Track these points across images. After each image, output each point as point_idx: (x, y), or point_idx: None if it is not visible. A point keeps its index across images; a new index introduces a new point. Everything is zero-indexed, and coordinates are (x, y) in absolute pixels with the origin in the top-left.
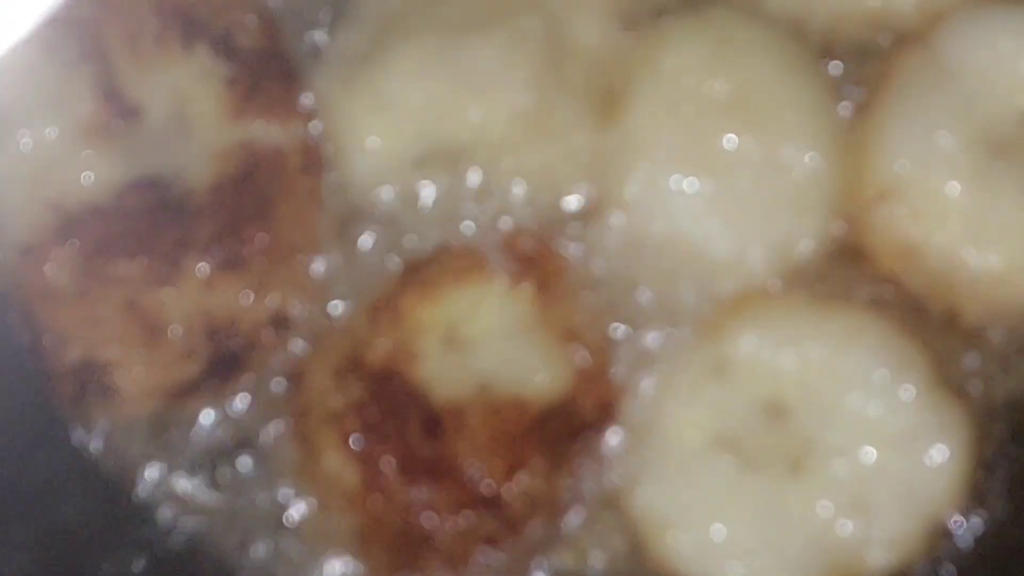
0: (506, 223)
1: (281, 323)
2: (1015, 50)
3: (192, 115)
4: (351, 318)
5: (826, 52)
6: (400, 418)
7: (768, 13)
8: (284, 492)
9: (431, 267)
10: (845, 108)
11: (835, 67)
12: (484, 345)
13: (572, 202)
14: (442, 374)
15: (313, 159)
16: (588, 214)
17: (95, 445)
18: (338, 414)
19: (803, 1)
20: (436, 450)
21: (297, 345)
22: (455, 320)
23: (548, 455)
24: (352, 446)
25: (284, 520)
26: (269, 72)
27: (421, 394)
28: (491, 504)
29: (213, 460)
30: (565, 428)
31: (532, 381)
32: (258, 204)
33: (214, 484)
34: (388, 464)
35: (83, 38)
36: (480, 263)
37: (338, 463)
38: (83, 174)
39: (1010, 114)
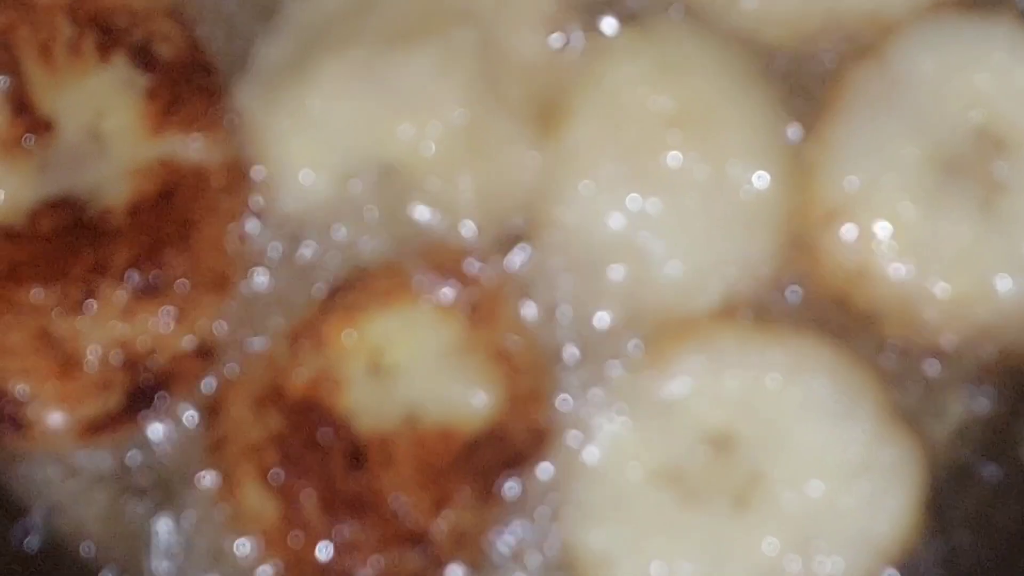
0: (435, 243)
1: (203, 352)
2: (968, 63)
3: (109, 130)
4: (271, 345)
5: (775, 67)
6: (322, 450)
7: (715, 27)
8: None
9: (355, 290)
10: (795, 125)
11: (784, 82)
12: (411, 371)
13: (508, 222)
14: (367, 403)
15: (236, 178)
16: (525, 234)
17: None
18: (257, 446)
19: (751, 15)
20: (360, 484)
21: (217, 374)
22: (380, 346)
23: (478, 488)
24: (271, 480)
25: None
26: (191, 84)
27: (344, 424)
28: (417, 541)
29: (128, 496)
30: (496, 458)
31: (461, 409)
32: (178, 225)
33: (127, 523)
34: (309, 499)
35: None
36: (406, 285)
37: (257, 498)
38: None
39: (963, 130)
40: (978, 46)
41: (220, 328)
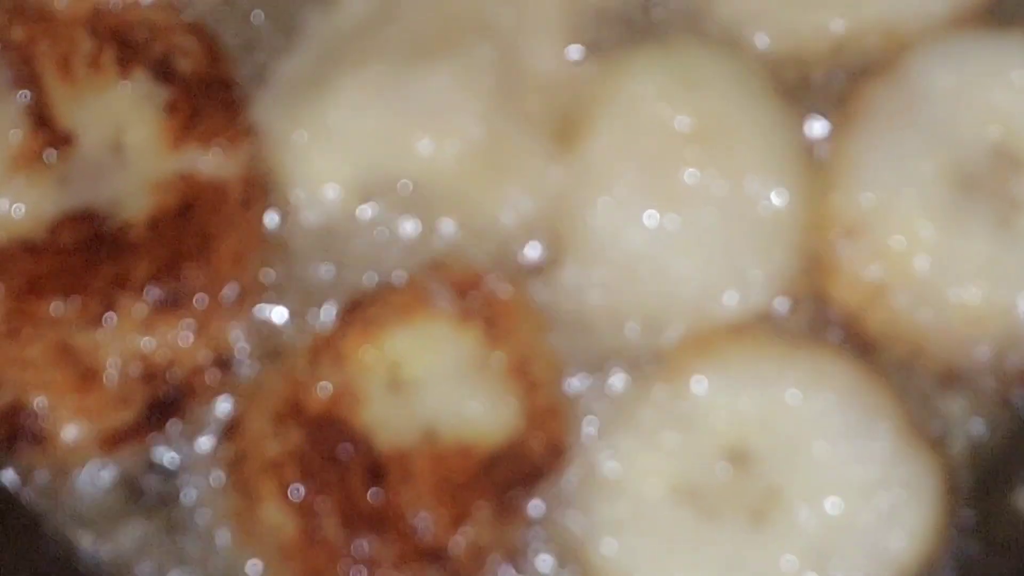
0: (454, 259)
1: (222, 365)
2: (984, 80)
3: (129, 143)
4: (291, 360)
5: (793, 83)
6: (342, 466)
7: (734, 43)
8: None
9: (374, 305)
10: (812, 142)
11: (802, 99)
12: (430, 387)
13: (525, 236)
14: (386, 419)
15: (256, 192)
16: (543, 250)
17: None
18: (277, 462)
19: (769, 31)
20: (379, 500)
21: (237, 389)
22: (399, 361)
23: (497, 503)
24: (291, 497)
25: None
26: (210, 99)
27: (364, 440)
28: (436, 557)
29: (146, 510)
30: (515, 474)
31: (480, 424)
32: (198, 239)
33: (151, 532)
34: (328, 515)
35: (12, 62)
36: (425, 300)
37: (277, 514)
38: (13, 206)
39: (980, 147)
40: (995, 62)
41: (239, 341)
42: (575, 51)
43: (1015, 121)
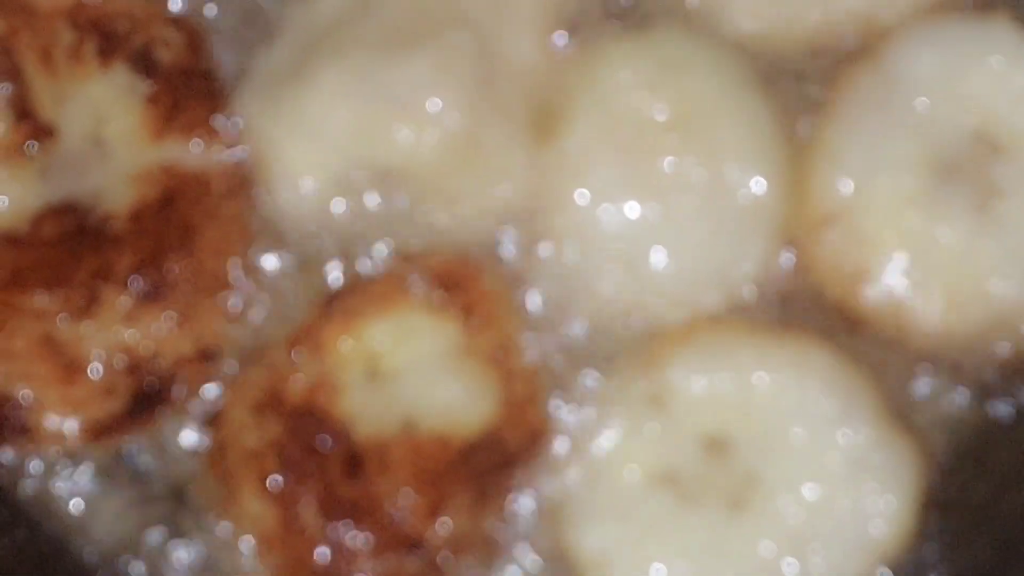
0: (432, 248)
1: (206, 356)
2: (965, 66)
3: (110, 135)
4: (271, 350)
5: (771, 70)
6: (321, 456)
7: (712, 31)
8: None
9: (352, 296)
10: (791, 129)
11: (780, 86)
12: (408, 376)
13: (504, 226)
14: (364, 409)
15: (237, 183)
16: (521, 238)
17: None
18: (257, 452)
19: (748, 19)
20: (358, 490)
21: (219, 379)
22: (378, 351)
23: (475, 491)
24: (270, 487)
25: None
26: (192, 90)
27: (342, 431)
28: (415, 546)
29: (133, 502)
30: (493, 461)
31: (458, 413)
32: (180, 231)
33: (139, 525)
34: (307, 505)
35: None
36: (403, 290)
37: (257, 504)
38: None
39: (959, 134)
40: (975, 49)
41: (221, 332)
42: (553, 40)
43: (994, 107)
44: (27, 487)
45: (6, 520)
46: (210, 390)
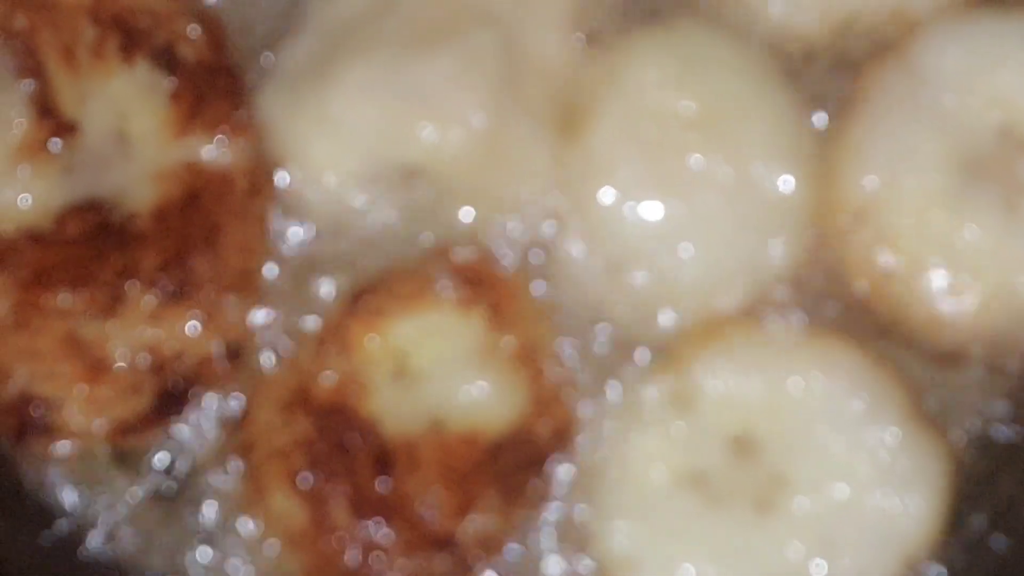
0: (457, 247)
1: (231, 354)
2: (991, 62)
3: (133, 132)
4: (298, 349)
5: (797, 67)
6: (349, 455)
7: (737, 27)
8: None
9: (379, 294)
10: (819, 125)
11: (807, 82)
12: (435, 374)
13: (529, 224)
14: (392, 407)
15: (261, 180)
16: (547, 237)
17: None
18: (285, 451)
19: (773, 15)
20: (386, 488)
21: (246, 379)
22: (405, 350)
23: (503, 489)
24: (299, 485)
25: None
26: (214, 87)
27: (371, 429)
28: (444, 544)
29: (159, 502)
30: (521, 460)
31: (486, 411)
32: (204, 229)
33: (162, 524)
34: (337, 503)
35: (15, 52)
36: (430, 289)
37: (286, 502)
38: (20, 197)
39: (986, 130)
40: (1001, 44)
41: (247, 331)
42: (578, 38)
43: (1021, 103)
44: (46, 487)
45: (20, 521)
46: (236, 389)
